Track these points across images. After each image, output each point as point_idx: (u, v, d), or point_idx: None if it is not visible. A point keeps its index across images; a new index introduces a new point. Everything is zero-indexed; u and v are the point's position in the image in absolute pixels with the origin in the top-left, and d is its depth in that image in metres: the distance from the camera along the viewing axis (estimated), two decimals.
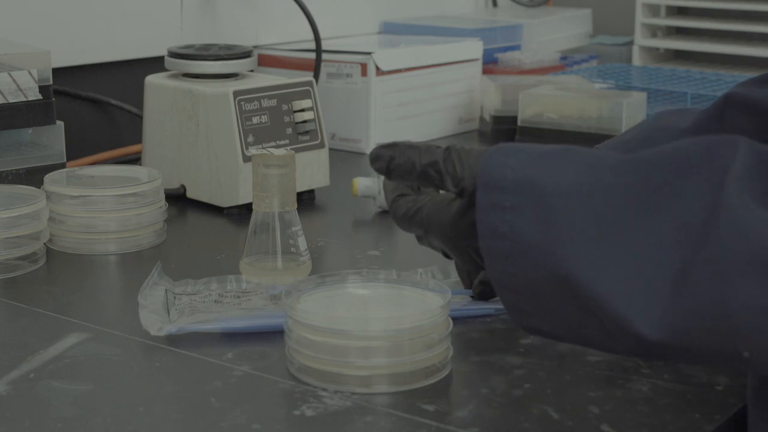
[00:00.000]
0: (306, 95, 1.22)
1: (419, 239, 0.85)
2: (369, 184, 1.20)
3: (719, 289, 0.59)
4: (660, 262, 0.62)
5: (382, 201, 1.20)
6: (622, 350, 0.67)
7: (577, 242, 0.64)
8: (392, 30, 1.77)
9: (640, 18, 1.96)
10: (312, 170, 1.23)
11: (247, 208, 1.13)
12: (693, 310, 0.61)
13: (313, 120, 1.22)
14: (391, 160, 0.76)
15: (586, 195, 0.65)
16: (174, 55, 1.24)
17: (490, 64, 1.74)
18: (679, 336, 0.62)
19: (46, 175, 1.08)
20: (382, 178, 1.19)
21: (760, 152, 0.63)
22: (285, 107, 1.20)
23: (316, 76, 1.49)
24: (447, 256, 0.86)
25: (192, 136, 1.20)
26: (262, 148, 1.12)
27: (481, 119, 1.62)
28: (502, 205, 0.67)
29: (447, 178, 0.74)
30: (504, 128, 1.53)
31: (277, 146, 1.18)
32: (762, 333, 0.59)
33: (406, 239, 1.07)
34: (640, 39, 1.97)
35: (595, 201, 0.65)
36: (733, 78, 1.67)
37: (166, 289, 0.90)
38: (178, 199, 1.21)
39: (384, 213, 1.20)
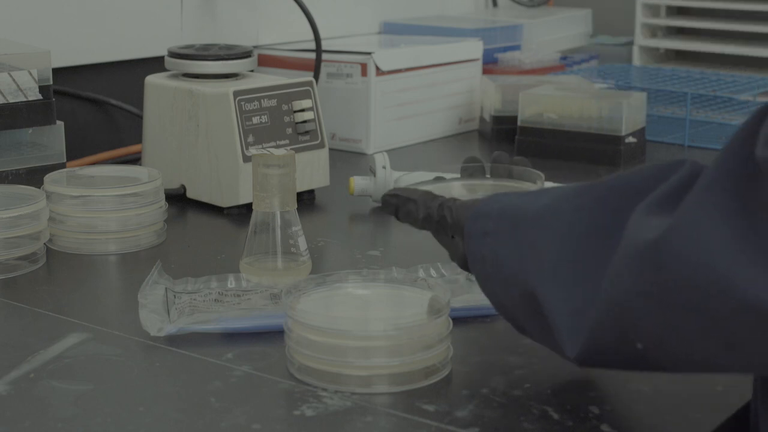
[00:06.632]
0: (306, 95, 1.22)
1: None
2: (366, 183, 1.20)
3: (609, 284, 0.64)
4: (600, 279, 0.66)
5: (378, 198, 1.20)
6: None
7: (543, 261, 0.70)
8: (392, 30, 1.77)
9: (640, 18, 1.96)
10: (312, 170, 1.23)
11: (247, 208, 1.13)
12: (594, 314, 0.66)
13: (313, 120, 1.22)
14: (397, 209, 0.83)
15: (554, 218, 0.71)
16: (174, 55, 1.24)
17: (490, 64, 1.74)
18: (588, 346, 0.67)
19: (46, 175, 1.08)
20: (379, 176, 1.20)
21: (696, 170, 0.66)
22: (285, 107, 1.20)
23: (316, 76, 1.49)
24: None
25: (192, 136, 1.20)
26: (262, 148, 1.12)
27: (481, 119, 1.62)
28: (485, 231, 0.74)
29: (440, 229, 0.81)
30: (504, 128, 1.53)
31: (277, 146, 1.18)
32: (644, 318, 0.62)
33: (406, 239, 1.07)
34: (641, 39, 1.97)
35: (561, 223, 0.70)
36: (732, 78, 1.67)
37: (166, 288, 0.90)
38: (178, 199, 1.21)
39: (380, 209, 1.21)
